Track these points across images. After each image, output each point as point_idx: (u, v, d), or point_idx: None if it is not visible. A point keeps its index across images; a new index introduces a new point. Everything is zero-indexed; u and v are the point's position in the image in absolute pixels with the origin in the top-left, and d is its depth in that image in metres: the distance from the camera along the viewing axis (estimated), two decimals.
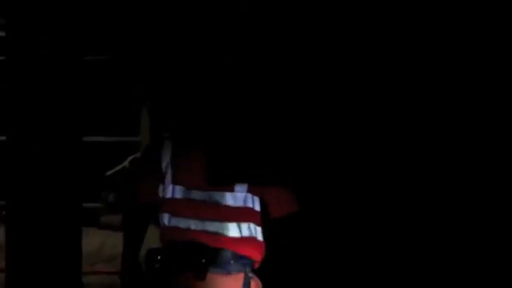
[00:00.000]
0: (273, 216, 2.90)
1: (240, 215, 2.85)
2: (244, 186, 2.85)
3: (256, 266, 2.92)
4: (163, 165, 2.92)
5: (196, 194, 2.88)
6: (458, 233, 4.05)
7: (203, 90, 3.05)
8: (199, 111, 2.99)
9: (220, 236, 2.83)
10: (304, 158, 3.97)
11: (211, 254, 2.79)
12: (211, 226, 2.84)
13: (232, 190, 2.86)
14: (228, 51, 2.75)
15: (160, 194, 2.93)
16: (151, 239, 3.09)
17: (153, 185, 2.94)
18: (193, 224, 2.86)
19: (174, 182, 2.90)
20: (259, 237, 2.90)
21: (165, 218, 2.91)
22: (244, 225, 2.84)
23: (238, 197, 2.85)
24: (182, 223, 2.87)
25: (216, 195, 2.86)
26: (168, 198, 2.91)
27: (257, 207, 2.87)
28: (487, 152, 4.03)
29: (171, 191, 2.90)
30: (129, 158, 5.20)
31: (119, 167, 5.59)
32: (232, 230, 2.84)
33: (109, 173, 5.72)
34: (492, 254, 4.01)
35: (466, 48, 4.02)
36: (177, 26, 4.42)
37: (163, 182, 2.92)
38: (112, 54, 5.73)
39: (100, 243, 5.17)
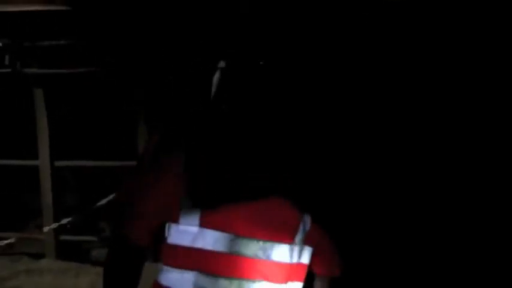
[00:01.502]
0: (319, 275, 2.35)
1: (293, 273, 2.16)
2: (302, 236, 2.15)
3: None
4: (175, 193, 2.06)
5: (247, 247, 2.08)
6: (458, 232, 4.07)
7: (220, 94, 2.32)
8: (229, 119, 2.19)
9: None
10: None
11: None
12: None
13: (291, 241, 2.13)
14: (229, 54, 2.18)
15: (173, 240, 2.09)
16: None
17: (153, 221, 2.11)
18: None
19: (205, 224, 2.06)
20: None
21: (187, 277, 2.08)
22: (293, 286, 2.18)
23: (294, 250, 2.14)
24: (218, 286, 2.08)
25: (272, 248, 2.11)
26: (191, 248, 2.08)
27: (307, 261, 2.21)
28: (486, 152, 4.07)
29: (198, 237, 2.07)
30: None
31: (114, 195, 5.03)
32: None
33: (102, 202, 5.19)
34: (492, 254, 4.03)
35: (466, 49, 4.05)
36: (177, 30, 4.34)
37: (176, 221, 2.08)
38: (112, 60, 5.32)
39: (90, 284, 4.56)
